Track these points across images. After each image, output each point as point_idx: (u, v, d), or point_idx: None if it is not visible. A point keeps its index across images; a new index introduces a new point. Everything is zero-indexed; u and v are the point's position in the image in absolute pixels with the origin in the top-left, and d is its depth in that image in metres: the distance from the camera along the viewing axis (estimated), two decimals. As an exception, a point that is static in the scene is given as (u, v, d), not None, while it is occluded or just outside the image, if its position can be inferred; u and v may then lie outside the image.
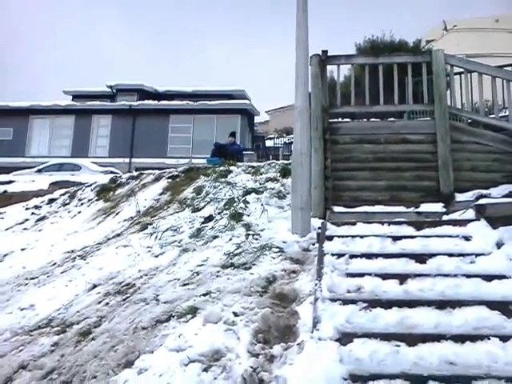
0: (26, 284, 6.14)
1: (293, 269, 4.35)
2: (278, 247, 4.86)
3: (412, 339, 2.92)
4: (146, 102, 24.22)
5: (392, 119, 7.18)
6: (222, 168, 8.92)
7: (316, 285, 3.59)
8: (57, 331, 4.21)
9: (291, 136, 26.36)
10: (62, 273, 6.28)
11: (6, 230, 9.98)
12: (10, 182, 14.88)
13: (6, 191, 13.76)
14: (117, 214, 8.70)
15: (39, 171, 17.54)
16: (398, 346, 2.88)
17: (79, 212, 9.85)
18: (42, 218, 10.22)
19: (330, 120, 6.64)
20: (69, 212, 10.08)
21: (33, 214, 10.69)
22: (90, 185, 11.39)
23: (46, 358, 3.72)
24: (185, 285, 4.46)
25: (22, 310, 4.99)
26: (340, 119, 7.28)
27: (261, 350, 3.06)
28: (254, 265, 4.53)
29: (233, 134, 13.60)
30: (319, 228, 5.11)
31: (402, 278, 3.75)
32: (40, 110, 24.76)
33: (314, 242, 4.89)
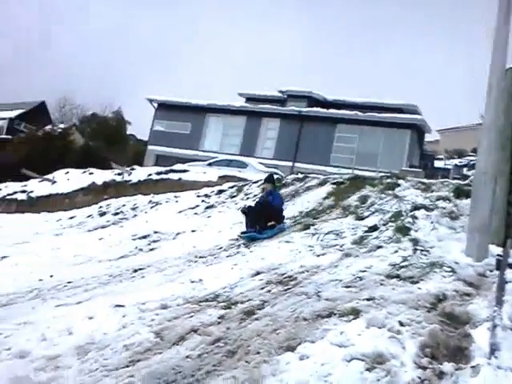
0: (196, 261, 6.73)
1: (466, 291, 4.13)
2: (449, 267, 4.65)
3: None
4: (315, 109, 24.60)
5: None
6: (389, 180, 8.76)
7: (495, 311, 3.33)
8: (223, 306, 4.52)
9: (464, 159, 24.65)
10: (227, 257, 6.78)
11: (180, 212, 11.07)
12: (185, 171, 16.39)
13: (180, 179, 15.31)
14: (280, 211, 9.06)
15: (210, 165, 18.97)
16: None
17: (245, 205, 10.46)
18: (211, 206, 11.09)
19: (522, 142, 6.07)
20: (235, 204, 10.77)
21: (203, 201, 11.67)
22: (256, 181, 12.05)
23: (213, 327, 4.02)
24: (347, 287, 4.51)
25: (192, 282, 5.45)
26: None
27: (428, 364, 2.95)
28: (421, 280, 4.41)
29: (270, 179, 8.74)
30: (498, 255, 4.72)
31: None
32: (216, 108, 26.75)
33: (492, 268, 4.55)
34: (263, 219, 7.71)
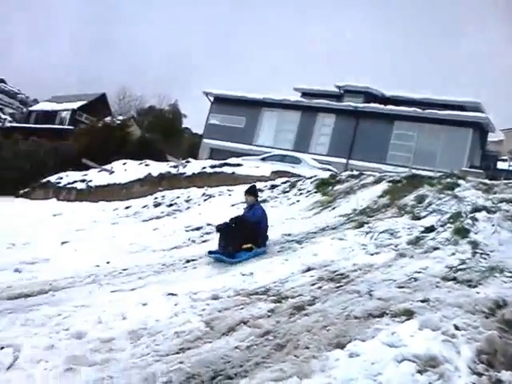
0: (247, 254, 6.77)
1: (529, 298, 3.91)
2: (510, 272, 4.45)
3: None
4: (372, 105, 23.87)
5: None
6: (448, 180, 8.46)
7: (560, 322, 3.17)
8: (273, 300, 4.54)
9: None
10: (278, 251, 6.76)
11: (232, 205, 11.13)
12: (238, 165, 16.47)
13: (233, 173, 15.40)
14: (333, 208, 8.95)
15: (263, 159, 18.90)
16: None
17: (297, 201, 10.40)
18: (263, 201, 11.02)
19: None
20: (288, 199, 10.72)
21: (256, 195, 11.66)
22: (310, 177, 11.93)
23: (263, 319, 4.04)
24: (400, 287, 4.43)
25: (243, 275, 5.50)
26: None
27: (484, 370, 2.84)
28: (480, 284, 4.26)
29: (251, 191, 7.36)
30: None
31: None
32: (271, 103, 26.43)
33: (558, 275, 4.31)
34: (239, 239, 6.43)
